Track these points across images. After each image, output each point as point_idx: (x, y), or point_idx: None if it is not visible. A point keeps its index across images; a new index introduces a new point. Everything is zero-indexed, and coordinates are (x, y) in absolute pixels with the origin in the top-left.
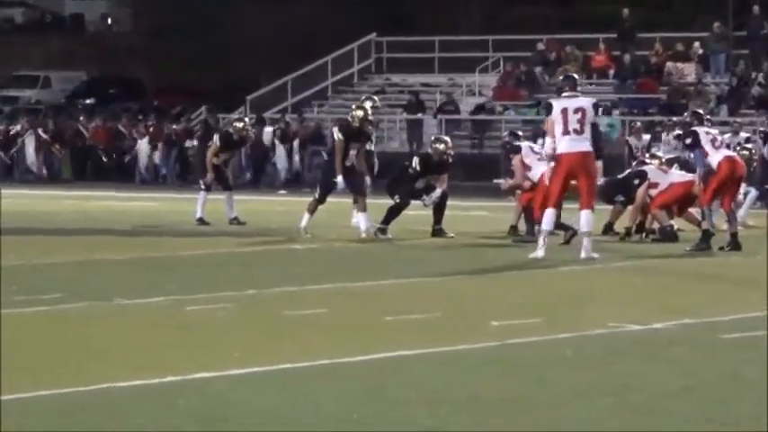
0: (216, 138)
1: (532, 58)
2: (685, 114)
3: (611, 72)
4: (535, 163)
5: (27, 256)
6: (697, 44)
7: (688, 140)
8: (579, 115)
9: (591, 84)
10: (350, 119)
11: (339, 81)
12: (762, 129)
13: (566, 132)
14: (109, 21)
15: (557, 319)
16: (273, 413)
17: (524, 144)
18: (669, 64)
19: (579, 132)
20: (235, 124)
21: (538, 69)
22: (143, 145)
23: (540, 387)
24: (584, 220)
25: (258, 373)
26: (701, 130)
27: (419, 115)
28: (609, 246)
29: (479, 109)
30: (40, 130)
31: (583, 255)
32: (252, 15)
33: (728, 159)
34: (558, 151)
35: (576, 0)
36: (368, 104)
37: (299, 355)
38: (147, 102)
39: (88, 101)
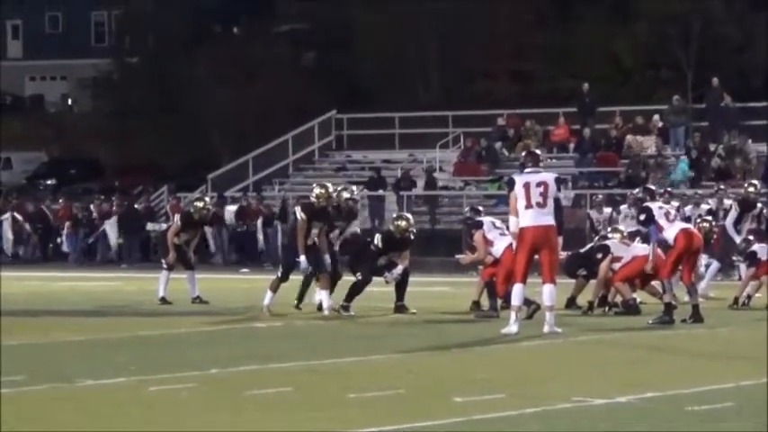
0: (176, 217)
1: (492, 134)
2: (637, 190)
3: (572, 146)
4: (497, 238)
5: None
6: (656, 117)
7: (642, 216)
8: (542, 189)
9: (551, 158)
10: (313, 198)
11: (300, 158)
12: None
13: (528, 206)
14: (69, 101)
15: (521, 394)
16: None
17: (486, 219)
18: (629, 137)
19: (542, 206)
20: (195, 203)
21: (498, 144)
22: (111, 224)
23: None
24: (547, 294)
25: None
26: (653, 206)
27: (380, 192)
28: (572, 320)
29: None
30: (15, 213)
31: (546, 329)
32: (212, 94)
33: (684, 232)
34: (522, 225)
35: (535, 75)
36: (345, 194)
37: None
38: (107, 182)
39: (49, 182)
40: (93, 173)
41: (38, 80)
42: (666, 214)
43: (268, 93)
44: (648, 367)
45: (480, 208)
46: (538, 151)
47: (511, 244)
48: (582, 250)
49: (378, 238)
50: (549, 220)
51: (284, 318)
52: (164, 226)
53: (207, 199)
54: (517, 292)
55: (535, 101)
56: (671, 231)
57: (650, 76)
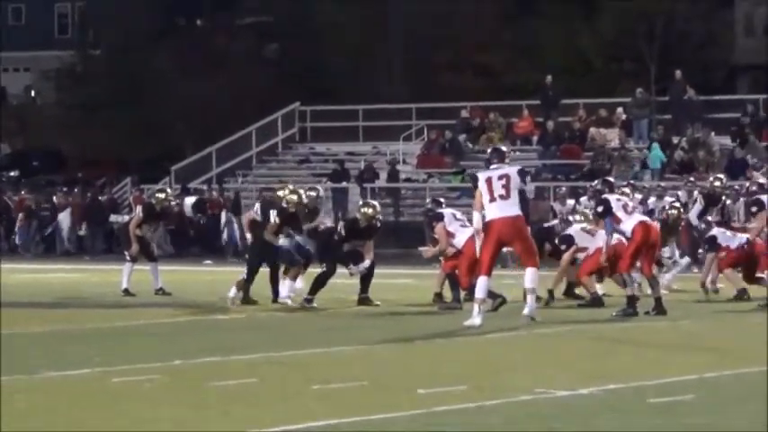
0: (138, 209)
1: (456, 126)
2: (596, 182)
3: (535, 138)
4: (459, 230)
5: None
6: (620, 110)
7: (599, 208)
8: (504, 181)
9: (515, 150)
10: (285, 204)
11: (264, 150)
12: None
13: (492, 200)
14: (32, 93)
15: (484, 386)
16: None
17: (447, 211)
18: (592, 129)
19: (505, 198)
20: (157, 195)
21: (462, 137)
22: (64, 216)
23: None
24: (529, 276)
25: None
26: (611, 198)
27: (344, 184)
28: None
29: (394, 177)
30: None
31: (525, 311)
32: (176, 86)
33: (642, 224)
34: (488, 218)
35: (500, 69)
36: (312, 193)
37: (226, 426)
38: (70, 174)
39: (12, 173)
40: (57, 165)
41: (0, 72)
42: (624, 206)
43: (232, 85)
44: (612, 359)
45: (442, 200)
46: (503, 147)
47: (473, 235)
48: (546, 225)
49: (341, 226)
50: (514, 210)
51: (247, 310)
52: (126, 218)
53: (169, 190)
54: (481, 284)
55: (499, 94)
56: (629, 223)
57: (613, 69)
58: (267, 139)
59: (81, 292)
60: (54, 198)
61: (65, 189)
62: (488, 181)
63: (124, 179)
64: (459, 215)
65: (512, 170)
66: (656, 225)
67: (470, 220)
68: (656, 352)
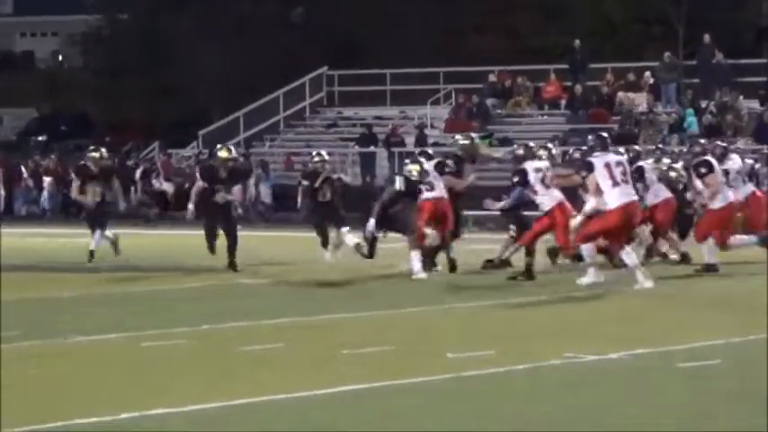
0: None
1: (484, 90)
2: (589, 138)
3: (563, 103)
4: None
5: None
6: (648, 74)
7: (515, 178)
8: (621, 168)
9: (542, 115)
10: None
11: (291, 115)
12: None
13: (615, 184)
14: (60, 57)
15: (512, 351)
16: None
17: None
18: (620, 94)
19: (627, 183)
20: (90, 155)
21: (489, 101)
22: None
23: (496, 421)
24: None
25: (214, 409)
26: (530, 168)
27: (371, 148)
28: (563, 276)
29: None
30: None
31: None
32: (203, 50)
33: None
34: (614, 203)
35: (526, 31)
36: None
37: (255, 391)
38: (98, 139)
39: (40, 138)
40: (85, 129)
41: (28, 36)
42: (543, 179)
43: (258, 49)
44: (641, 323)
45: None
46: (605, 134)
47: (560, 204)
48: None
49: (399, 181)
50: (635, 195)
51: (273, 274)
52: (155, 183)
53: (103, 150)
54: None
55: (526, 57)
56: (546, 198)
57: (641, 32)
58: (295, 104)
59: (107, 256)
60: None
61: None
62: (607, 166)
63: (152, 144)
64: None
65: (623, 158)
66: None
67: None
68: (686, 316)
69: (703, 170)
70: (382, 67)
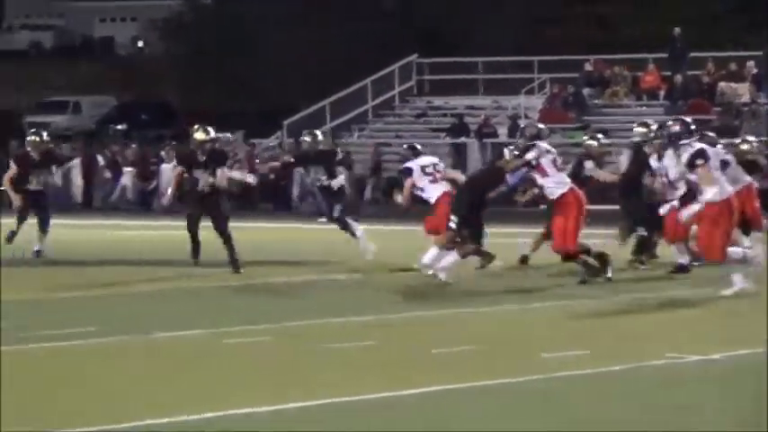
0: (11, 163)
1: (579, 79)
2: (669, 123)
3: (662, 93)
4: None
5: (58, 288)
6: (751, 63)
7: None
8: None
9: (640, 105)
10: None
11: (380, 104)
12: None
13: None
14: (140, 44)
15: (611, 352)
16: None
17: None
18: (722, 84)
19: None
20: (30, 139)
21: (586, 91)
22: (168, 170)
23: (590, 423)
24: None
25: (298, 408)
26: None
27: (463, 139)
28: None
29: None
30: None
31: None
32: (289, 37)
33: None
34: (726, 193)
35: (622, 20)
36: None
37: (341, 390)
38: (179, 127)
39: (119, 126)
40: (165, 118)
41: (108, 22)
42: (554, 161)
43: (347, 36)
44: (745, 323)
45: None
46: (688, 119)
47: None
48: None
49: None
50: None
51: (360, 269)
52: (235, 173)
53: (44, 134)
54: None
55: (623, 46)
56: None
57: (743, 20)
58: (383, 93)
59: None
60: (162, 152)
61: (173, 143)
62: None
63: (235, 133)
64: (429, 169)
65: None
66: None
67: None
68: None
69: None
70: (474, 55)
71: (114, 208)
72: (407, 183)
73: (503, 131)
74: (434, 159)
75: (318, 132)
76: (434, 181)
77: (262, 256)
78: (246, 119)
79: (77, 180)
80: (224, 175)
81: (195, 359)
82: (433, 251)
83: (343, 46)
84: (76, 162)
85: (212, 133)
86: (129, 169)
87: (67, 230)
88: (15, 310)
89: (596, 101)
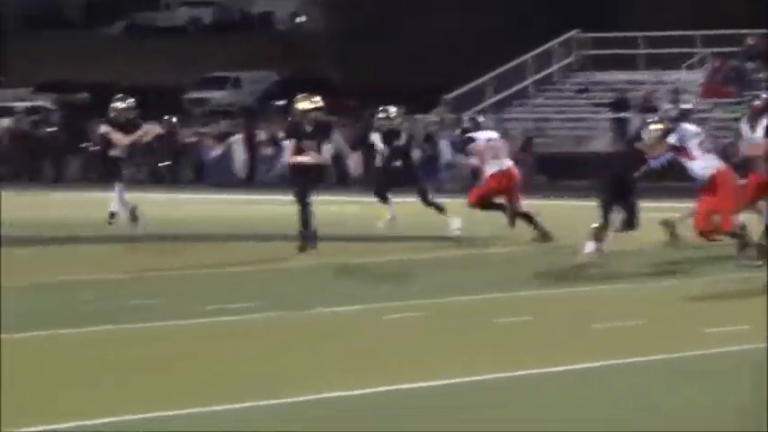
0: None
1: (741, 54)
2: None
3: None
4: None
5: (218, 264)
6: None
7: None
8: None
9: None
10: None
11: (540, 80)
12: None
13: None
14: (299, 19)
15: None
16: (476, 424)
17: None
18: None
19: None
20: (115, 105)
21: (748, 65)
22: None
23: (753, 397)
24: None
25: (459, 384)
26: None
27: (624, 114)
28: None
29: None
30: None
31: None
32: (449, 12)
33: None
34: None
35: None
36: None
37: (501, 366)
38: (339, 103)
39: (280, 102)
40: (324, 93)
41: None
42: (701, 143)
43: (508, 11)
44: None
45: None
46: None
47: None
48: None
49: None
50: None
51: (513, 244)
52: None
53: (130, 100)
54: None
55: None
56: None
57: None
58: (544, 68)
59: (344, 224)
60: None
61: (334, 118)
62: None
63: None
64: None
65: None
66: None
67: None
68: None
69: None
70: (635, 29)
71: (276, 183)
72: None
73: (663, 106)
74: (495, 134)
75: (392, 109)
76: (495, 156)
77: (417, 231)
78: (406, 94)
79: (239, 156)
80: (329, 147)
81: (355, 334)
82: (590, 245)
83: (505, 20)
84: (238, 138)
85: (319, 102)
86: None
87: (231, 206)
88: (180, 284)
89: (759, 75)
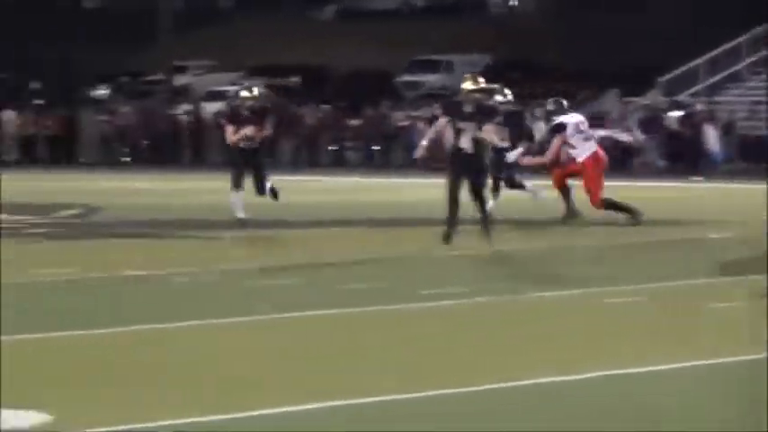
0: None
1: None
2: None
3: None
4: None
5: (431, 247)
6: None
7: None
8: None
9: None
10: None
11: (755, 62)
12: None
13: None
14: (512, 2)
15: None
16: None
17: None
18: None
19: None
20: (241, 94)
21: None
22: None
23: None
24: None
25: (679, 369)
26: None
27: None
28: None
29: None
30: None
31: None
32: None
33: None
34: None
35: None
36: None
37: (716, 351)
38: (551, 86)
39: (496, 85)
40: (537, 76)
41: None
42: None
43: None
44: None
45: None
46: None
47: None
48: None
49: None
50: None
51: (735, 229)
52: (601, 132)
53: (255, 90)
54: None
55: None
56: None
57: None
58: (759, 50)
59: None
60: (535, 111)
61: (545, 101)
62: None
63: (608, 92)
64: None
65: None
66: None
67: None
68: None
69: None
70: None
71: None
72: (558, 139)
73: None
74: (582, 117)
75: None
76: (587, 139)
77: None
78: (620, 76)
79: (449, 139)
80: (490, 130)
81: (576, 319)
82: None
83: (717, 3)
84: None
85: (482, 83)
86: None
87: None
88: (389, 268)
89: None
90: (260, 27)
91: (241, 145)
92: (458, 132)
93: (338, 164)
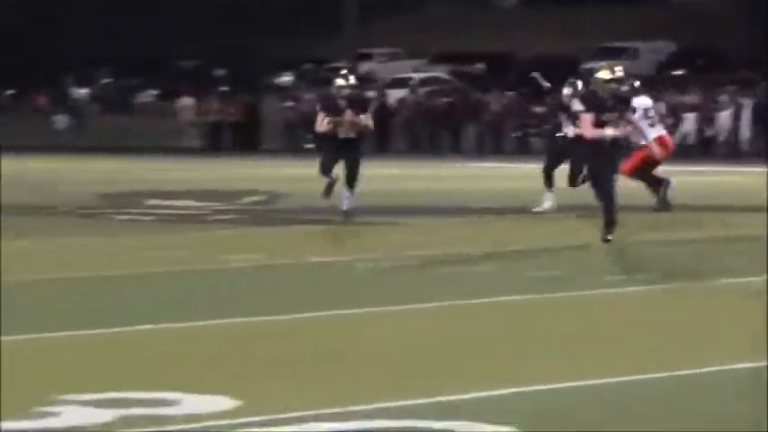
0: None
1: None
2: None
3: None
4: None
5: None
6: None
7: None
8: None
9: None
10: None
11: None
12: None
13: None
14: None
15: None
16: None
17: None
18: None
19: None
20: (337, 82)
21: None
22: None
23: None
24: None
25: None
26: None
27: None
28: None
29: None
30: None
31: None
32: None
33: None
34: None
35: None
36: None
37: None
38: (735, 73)
39: (676, 72)
40: (720, 63)
41: None
42: None
43: None
44: None
45: None
46: None
47: None
48: None
49: None
50: None
51: None
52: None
53: (351, 78)
54: None
55: None
56: None
57: None
58: None
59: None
60: (721, 98)
61: (732, 88)
62: None
63: None
64: None
65: None
66: None
67: None
68: None
69: None
70: None
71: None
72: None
73: None
74: (651, 102)
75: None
76: (652, 125)
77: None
78: None
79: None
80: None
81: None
82: None
83: None
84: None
85: (620, 73)
86: (690, 115)
87: None
88: (570, 255)
89: None
90: (444, 15)
91: (341, 135)
92: (600, 124)
93: (522, 151)
